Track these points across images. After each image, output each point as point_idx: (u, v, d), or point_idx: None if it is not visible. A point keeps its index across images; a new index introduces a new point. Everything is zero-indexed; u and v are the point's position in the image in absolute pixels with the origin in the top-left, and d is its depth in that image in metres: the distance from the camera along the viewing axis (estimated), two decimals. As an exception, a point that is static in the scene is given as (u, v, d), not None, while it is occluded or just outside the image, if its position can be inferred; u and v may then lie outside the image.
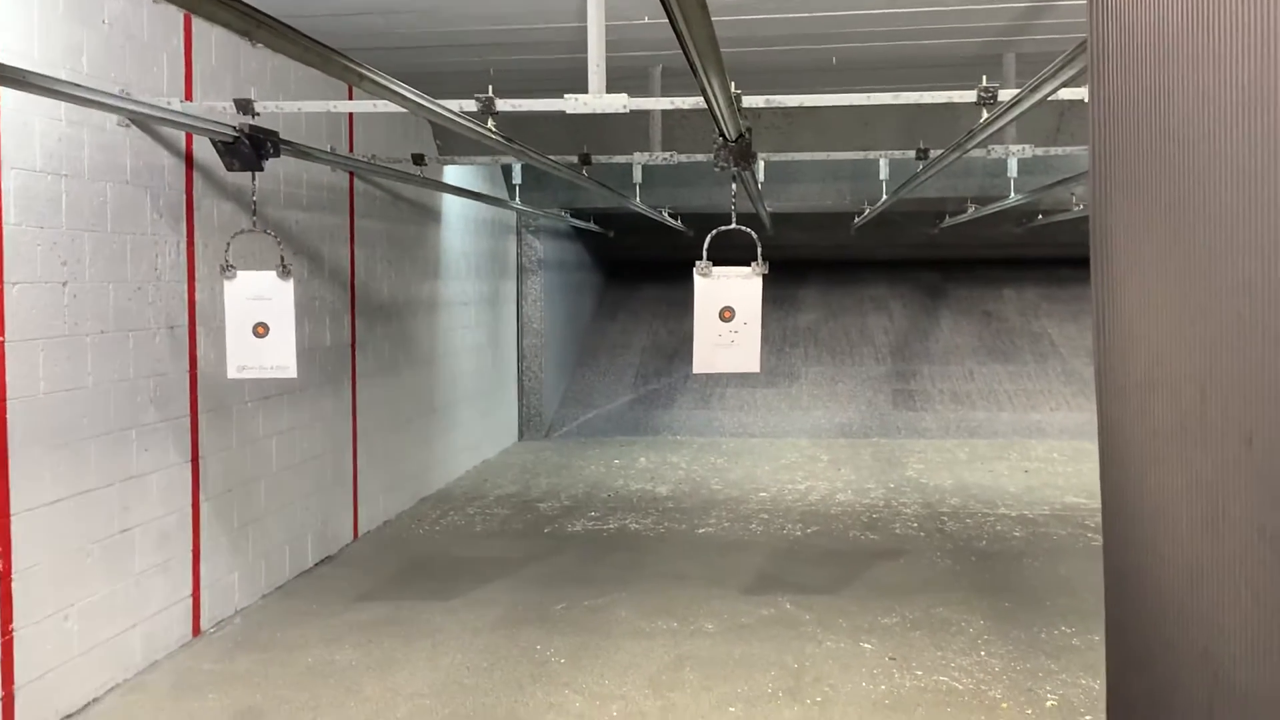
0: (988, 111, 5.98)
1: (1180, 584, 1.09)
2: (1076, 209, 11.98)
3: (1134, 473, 1.19)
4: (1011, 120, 5.88)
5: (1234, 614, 0.99)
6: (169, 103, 6.14)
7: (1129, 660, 1.25)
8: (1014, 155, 8.38)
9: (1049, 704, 5.71)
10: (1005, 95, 5.89)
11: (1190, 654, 1.08)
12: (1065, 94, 5.53)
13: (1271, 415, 0.92)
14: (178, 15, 6.50)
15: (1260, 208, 0.94)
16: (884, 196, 10.30)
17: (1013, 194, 10.60)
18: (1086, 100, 5.82)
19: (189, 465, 6.68)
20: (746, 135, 6.25)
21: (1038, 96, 5.15)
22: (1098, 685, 5.92)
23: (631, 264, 18.47)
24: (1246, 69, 0.99)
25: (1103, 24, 1.24)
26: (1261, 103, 0.93)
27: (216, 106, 6.40)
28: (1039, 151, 8.38)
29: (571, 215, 13.92)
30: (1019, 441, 14.32)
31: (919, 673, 6.16)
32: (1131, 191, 1.17)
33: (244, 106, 6.21)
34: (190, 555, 6.70)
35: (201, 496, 6.80)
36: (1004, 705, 5.70)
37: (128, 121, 6.05)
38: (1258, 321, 0.94)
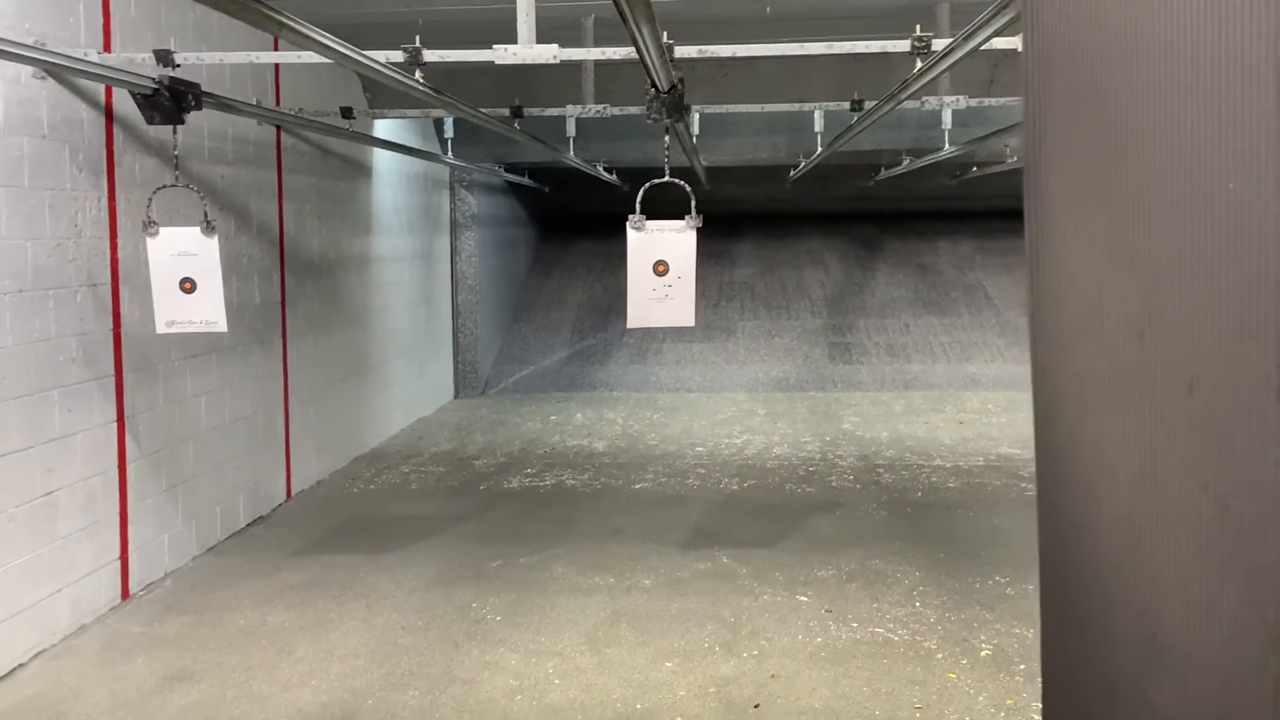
0: (921, 61, 5.94)
1: (1118, 538, 1.04)
2: (1010, 161, 12.02)
3: (1069, 422, 1.14)
4: (945, 70, 5.84)
5: (1173, 570, 0.94)
6: (86, 54, 5.97)
7: (1064, 618, 1.20)
8: (948, 106, 8.37)
9: (984, 654, 5.74)
10: (939, 45, 5.84)
11: (1128, 612, 1.04)
12: (998, 43, 5.49)
13: (1215, 359, 0.87)
14: (94, -37, 6.31)
15: (1207, 138, 0.89)
16: (819, 149, 10.27)
17: (947, 145, 10.60)
18: (1020, 44, 5.77)
19: (115, 426, 6.53)
20: (679, 86, 6.17)
21: (971, 45, 5.11)
22: (1031, 634, 5.96)
23: (567, 219, 18.36)
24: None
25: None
26: (1208, 23, 0.87)
27: (136, 58, 6.22)
28: (972, 103, 8.38)
29: (505, 170, 13.79)
30: (954, 393, 14.41)
31: (855, 624, 6.17)
32: (1067, 122, 1.12)
33: (164, 58, 6.05)
34: (118, 517, 6.58)
35: (128, 457, 6.67)
36: (939, 656, 5.72)
37: (44, 73, 5.86)
38: (1202, 260, 0.88)
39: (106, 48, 6.40)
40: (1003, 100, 8.69)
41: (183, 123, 6.26)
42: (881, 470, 10.04)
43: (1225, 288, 0.83)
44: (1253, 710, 0.84)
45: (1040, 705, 5.31)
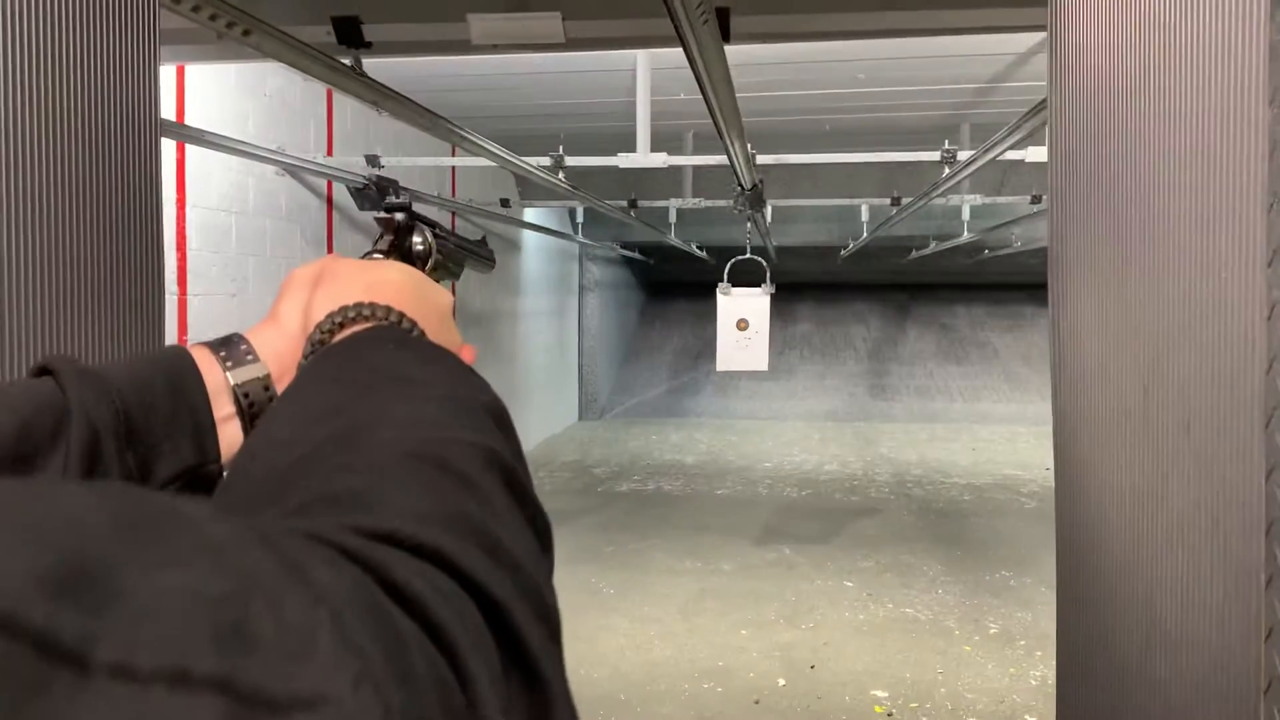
0: (948, 169, 5.89)
1: (1124, 545, 1.03)
2: (1016, 245, 11.81)
3: (1084, 453, 1.13)
4: (966, 175, 5.78)
5: (1170, 570, 0.93)
6: (314, 157, 6.14)
7: (1077, 606, 1.19)
8: (967, 203, 8.28)
9: (992, 631, 5.61)
10: (963, 156, 5.79)
11: (1132, 601, 1.02)
12: (1010, 154, 5.42)
13: (1205, 407, 0.87)
14: (322, 89, 6.49)
15: (1200, 236, 0.89)
16: (865, 234, 10.20)
17: (965, 233, 10.45)
18: (1028, 159, 5.62)
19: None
20: (759, 185, 6.18)
21: (988, 156, 5.05)
22: (1030, 617, 5.82)
23: (667, 284, 18.38)
24: (1193, 121, 0.93)
25: (1060, 76, 1.19)
26: (1204, 147, 0.87)
27: (351, 160, 6.39)
28: (987, 200, 8.27)
29: (621, 247, 13.86)
30: (968, 426, 14.15)
31: (890, 605, 6.08)
32: (1085, 220, 1.12)
33: (372, 161, 6.21)
34: None
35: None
36: (957, 632, 5.61)
37: (283, 171, 6.05)
38: (1194, 330, 0.88)
39: (329, 152, 6.58)
40: (1010, 199, 8.55)
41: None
42: (911, 485, 9.89)
43: (1216, 352, 0.82)
44: (1235, 681, 0.83)
45: (1036, 673, 5.15)
